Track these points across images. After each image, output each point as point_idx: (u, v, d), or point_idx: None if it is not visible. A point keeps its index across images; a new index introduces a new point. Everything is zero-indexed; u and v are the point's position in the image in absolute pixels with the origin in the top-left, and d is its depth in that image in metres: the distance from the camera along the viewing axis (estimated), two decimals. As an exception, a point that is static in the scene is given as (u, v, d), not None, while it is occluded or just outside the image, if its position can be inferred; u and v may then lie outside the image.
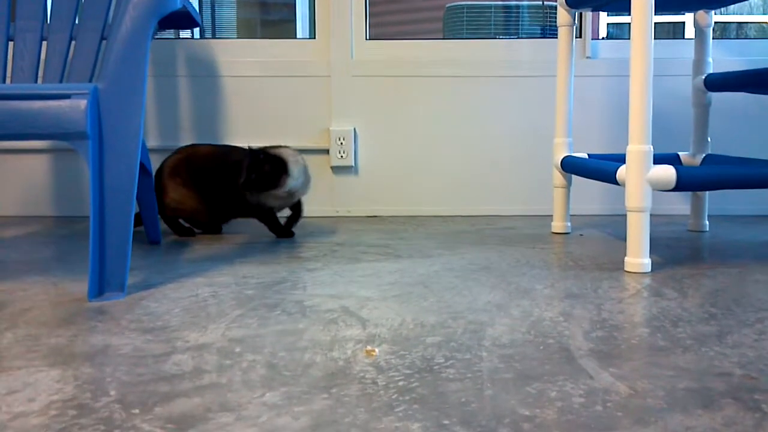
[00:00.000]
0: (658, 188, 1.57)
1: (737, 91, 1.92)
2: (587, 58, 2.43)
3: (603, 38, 2.52)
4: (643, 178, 1.56)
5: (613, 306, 1.31)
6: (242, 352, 1.06)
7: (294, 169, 1.90)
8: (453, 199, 2.46)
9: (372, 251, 1.83)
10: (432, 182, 2.45)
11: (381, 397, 0.89)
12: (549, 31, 3.26)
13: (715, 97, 2.10)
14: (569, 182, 2.08)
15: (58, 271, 1.61)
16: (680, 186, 1.56)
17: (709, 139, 2.07)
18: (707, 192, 2.13)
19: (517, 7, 3.47)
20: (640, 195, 1.56)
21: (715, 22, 2.06)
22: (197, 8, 3.42)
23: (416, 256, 1.77)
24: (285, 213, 2.04)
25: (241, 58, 2.43)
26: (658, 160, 1.94)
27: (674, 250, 1.84)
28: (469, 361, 1.02)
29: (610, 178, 1.66)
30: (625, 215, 1.60)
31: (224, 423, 0.82)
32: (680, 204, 2.44)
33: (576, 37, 2.22)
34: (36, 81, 1.84)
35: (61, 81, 1.83)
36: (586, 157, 2.01)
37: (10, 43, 1.86)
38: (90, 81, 1.80)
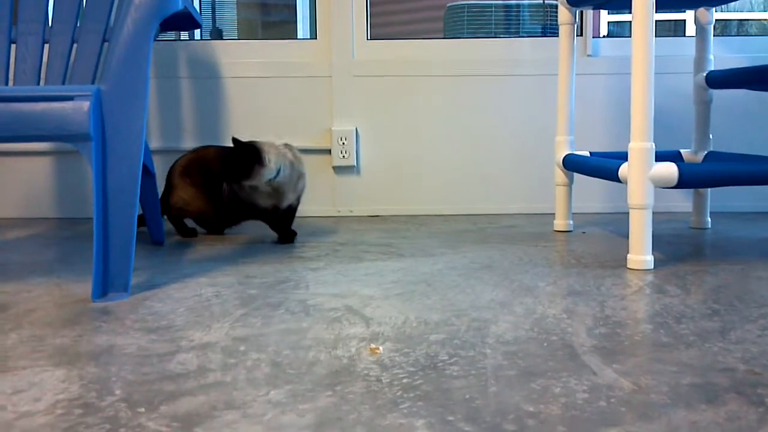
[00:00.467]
0: (661, 185, 1.57)
1: (738, 88, 1.92)
2: (588, 56, 2.43)
3: (604, 36, 2.52)
4: (645, 176, 1.56)
5: (616, 303, 1.31)
6: (246, 350, 1.07)
7: (270, 159, 1.80)
8: (455, 198, 2.46)
9: (374, 250, 1.83)
10: (434, 181, 2.46)
11: (385, 394, 0.90)
12: (549, 30, 3.26)
13: (717, 94, 2.10)
14: (571, 180, 2.08)
15: (61, 272, 1.62)
16: (682, 183, 1.57)
17: (710, 136, 2.07)
18: (709, 189, 2.13)
19: (518, 6, 3.47)
20: (642, 192, 1.56)
21: (716, 20, 2.06)
22: (198, 10, 3.42)
23: (419, 254, 1.77)
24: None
25: (242, 59, 2.43)
26: (660, 157, 1.94)
27: (676, 247, 1.84)
28: (473, 358, 1.02)
29: (612, 175, 1.66)
30: (627, 213, 1.60)
31: (230, 421, 0.82)
32: (682, 201, 2.44)
33: (577, 36, 2.22)
34: (38, 84, 1.84)
35: (63, 84, 1.83)
36: (588, 155, 2.01)
37: (13, 46, 1.86)
38: (92, 83, 1.81)
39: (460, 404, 0.86)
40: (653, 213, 1.60)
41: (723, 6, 2.15)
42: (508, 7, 3.55)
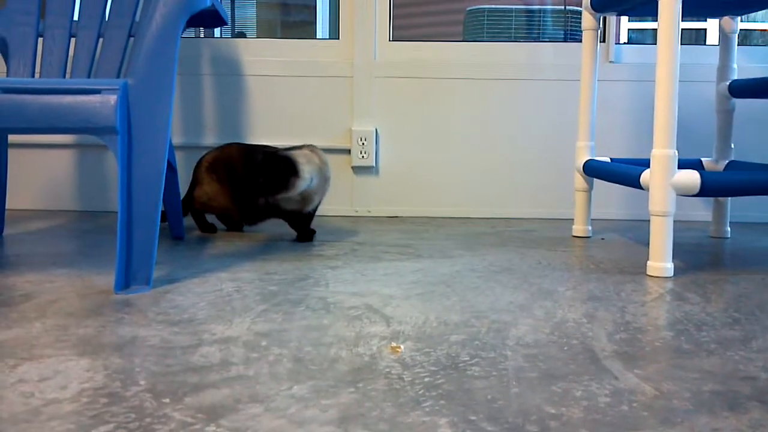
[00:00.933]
0: (683, 193, 1.57)
1: (761, 97, 1.91)
2: (610, 62, 2.43)
3: (625, 43, 2.52)
4: (667, 183, 1.56)
5: (636, 309, 1.31)
6: (268, 345, 1.07)
7: (305, 170, 1.82)
8: (473, 201, 2.46)
9: (393, 251, 1.84)
10: (452, 184, 2.46)
11: (407, 392, 0.90)
12: (570, 36, 3.26)
13: (739, 103, 2.09)
14: (591, 186, 2.08)
15: (83, 264, 1.63)
16: (704, 191, 1.56)
17: (732, 146, 2.06)
18: (729, 198, 2.12)
19: (539, 11, 3.47)
20: (664, 199, 1.56)
21: (739, 30, 2.05)
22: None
23: (437, 256, 1.78)
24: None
25: (264, 58, 2.45)
26: (681, 165, 1.93)
27: (696, 255, 1.84)
28: (494, 360, 1.02)
29: (633, 182, 1.66)
30: (646, 220, 1.60)
31: (254, 414, 0.83)
32: (702, 210, 2.43)
33: (600, 42, 2.22)
34: (64, 77, 1.86)
35: (88, 77, 1.85)
36: (608, 161, 2.01)
37: (40, 40, 1.88)
38: (117, 78, 1.82)
39: (482, 404, 0.87)
40: (673, 221, 1.59)
41: (745, 16, 2.14)
42: (528, 12, 3.55)
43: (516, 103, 2.44)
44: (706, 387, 0.94)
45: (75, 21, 1.90)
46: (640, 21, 3.85)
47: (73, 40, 1.88)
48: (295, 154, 1.85)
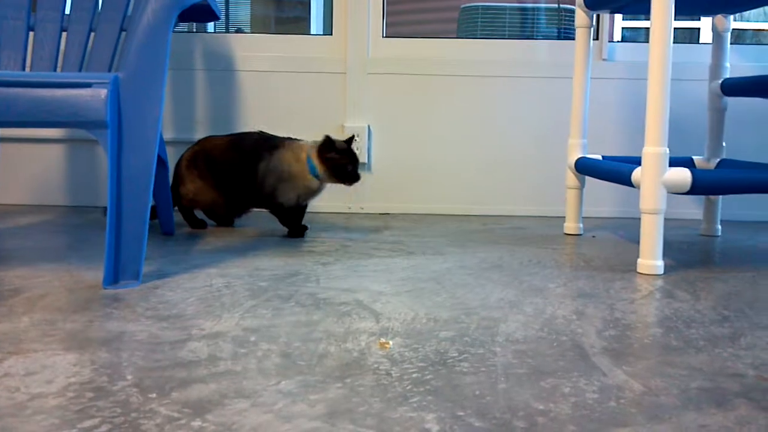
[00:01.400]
0: (673, 191, 1.57)
1: (753, 96, 1.92)
2: (603, 60, 2.43)
3: (618, 41, 2.52)
4: (658, 180, 1.56)
5: (626, 306, 1.31)
6: (257, 341, 1.07)
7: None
8: (466, 198, 2.46)
9: (384, 247, 1.83)
10: (445, 181, 2.46)
11: (395, 387, 0.90)
12: (564, 34, 3.26)
13: (731, 102, 2.09)
14: (582, 183, 2.08)
15: (72, 259, 1.62)
16: (695, 189, 1.56)
17: (724, 144, 2.07)
18: (720, 196, 2.13)
19: (533, 9, 3.47)
20: (654, 197, 1.56)
21: (732, 29, 2.06)
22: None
23: (428, 253, 1.78)
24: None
25: (257, 53, 2.44)
26: (673, 163, 1.93)
27: (686, 253, 1.84)
28: (483, 356, 1.02)
29: (625, 179, 1.66)
30: (637, 218, 1.60)
31: (240, 409, 0.83)
32: (693, 208, 2.44)
33: (593, 39, 2.22)
34: (55, 71, 1.85)
35: (79, 71, 1.84)
36: (600, 158, 2.01)
37: (31, 33, 1.87)
38: (108, 72, 1.81)
39: (470, 400, 0.87)
40: (664, 219, 1.59)
41: (738, 15, 2.14)
42: (522, 9, 3.54)
43: (508, 100, 2.44)
44: (694, 384, 0.94)
45: (66, 14, 1.89)
46: (633, 19, 3.86)
47: (64, 34, 1.88)
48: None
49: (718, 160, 2.05)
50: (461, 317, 1.22)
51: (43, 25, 1.87)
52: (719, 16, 2.03)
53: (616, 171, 1.72)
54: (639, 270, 1.59)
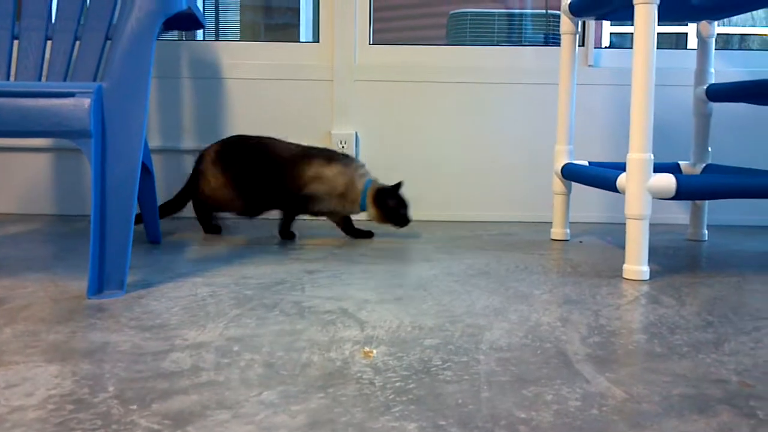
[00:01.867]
0: (658, 196, 1.57)
1: (738, 101, 1.93)
2: (590, 66, 2.44)
3: (606, 47, 2.53)
4: (643, 186, 1.56)
5: (611, 312, 1.31)
6: (240, 351, 1.07)
7: None
8: (453, 205, 2.46)
9: (371, 254, 1.83)
10: (432, 187, 2.46)
11: (378, 397, 0.90)
12: (552, 40, 3.27)
13: (716, 107, 2.10)
14: (569, 189, 2.08)
15: (58, 268, 1.62)
16: (680, 194, 1.57)
17: (709, 149, 2.07)
18: (707, 201, 2.14)
19: (521, 15, 3.48)
20: (639, 203, 1.57)
21: (718, 34, 2.07)
22: (202, 11, 3.42)
23: (416, 259, 1.78)
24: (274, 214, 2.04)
25: (244, 61, 2.44)
26: (659, 169, 1.95)
27: (673, 258, 1.85)
28: (467, 364, 1.02)
29: (610, 185, 1.66)
30: (624, 224, 1.60)
31: (221, 420, 0.82)
32: (679, 213, 2.45)
33: (579, 46, 2.23)
34: (40, 80, 1.85)
35: (64, 80, 1.84)
36: (587, 164, 2.01)
37: (15, 42, 1.87)
38: (93, 81, 1.81)
39: (452, 409, 0.86)
40: (650, 225, 1.60)
41: (725, 20, 2.15)
42: (510, 15, 3.55)
43: (496, 106, 2.44)
44: (676, 390, 0.94)
45: (52, 23, 1.88)
46: (621, 25, 3.87)
47: (49, 43, 1.87)
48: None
49: (704, 165, 2.05)
50: (446, 325, 1.22)
51: (27, 33, 1.86)
52: (704, 21, 2.04)
53: (602, 177, 1.72)
54: (625, 276, 1.60)
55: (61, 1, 1.88)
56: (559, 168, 2.05)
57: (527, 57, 2.47)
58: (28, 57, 1.85)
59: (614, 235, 2.19)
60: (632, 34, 1.58)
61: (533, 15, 3.43)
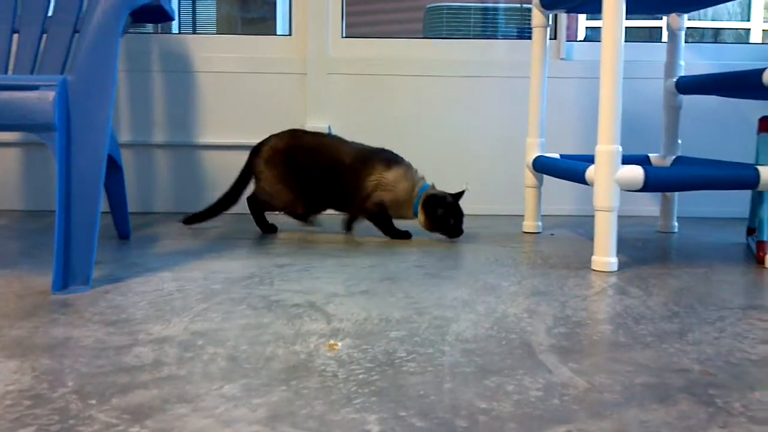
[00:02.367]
0: (627, 188, 1.58)
1: (707, 93, 1.94)
2: (562, 59, 2.44)
3: (581, 41, 2.54)
4: (611, 178, 1.57)
5: (578, 303, 1.32)
6: (204, 345, 1.06)
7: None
8: (427, 198, 2.46)
9: (343, 248, 1.83)
10: (406, 181, 2.45)
11: (340, 389, 0.89)
12: (526, 33, 3.27)
13: (686, 99, 2.12)
14: (540, 182, 2.09)
15: (24, 264, 1.60)
16: (648, 186, 1.58)
17: (679, 141, 2.09)
18: (677, 193, 2.15)
19: (495, 8, 3.48)
20: (608, 195, 1.57)
21: (693, 28, 2.08)
22: (176, 4, 3.39)
23: (386, 253, 1.77)
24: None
25: (217, 54, 2.42)
26: (628, 161, 1.96)
27: (642, 250, 1.86)
28: (431, 356, 1.02)
29: (579, 177, 1.67)
30: (594, 215, 1.61)
31: (181, 414, 0.82)
32: (650, 206, 2.46)
33: (551, 39, 2.23)
34: (6, 73, 1.82)
35: (31, 73, 1.81)
36: (558, 157, 2.02)
37: (-20, 35, 1.84)
38: (61, 74, 1.79)
39: (414, 400, 0.86)
40: (621, 216, 1.61)
41: (698, 14, 2.17)
42: (486, 9, 3.56)
43: (469, 99, 2.45)
44: (638, 379, 0.95)
45: (18, 16, 1.86)
46: (596, 18, 3.89)
47: (16, 36, 1.84)
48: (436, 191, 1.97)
49: (674, 157, 2.07)
50: (413, 317, 1.22)
51: (-7, 26, 1.83)
52: (673, 14, 2.06)
53: (572, 169, 1.73)
54: (593, 267, 1.60)
55: (28, -7, 1.85)
56: (531, 161, 2.05)
57: (500, 50, 2.47)
58: (-6, 50, 1.83)
59: (586, 227, 2.20)
60: (601, 26, 1.58)
61: (508, 9, 3.44)
